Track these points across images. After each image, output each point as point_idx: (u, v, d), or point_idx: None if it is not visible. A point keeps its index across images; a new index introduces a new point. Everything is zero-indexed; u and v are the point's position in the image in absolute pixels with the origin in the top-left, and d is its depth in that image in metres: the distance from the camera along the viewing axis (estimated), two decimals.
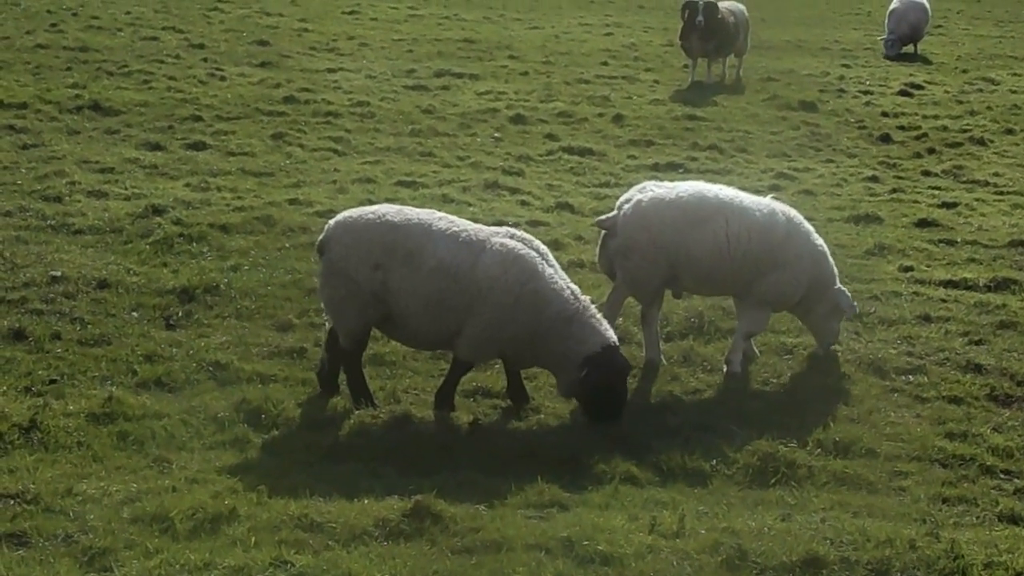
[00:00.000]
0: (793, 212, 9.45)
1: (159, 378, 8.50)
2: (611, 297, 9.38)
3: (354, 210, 8.45)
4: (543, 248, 8.32)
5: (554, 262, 8.31)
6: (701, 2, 20.36)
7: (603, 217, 9.37)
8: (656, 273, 9.13)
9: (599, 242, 9.44)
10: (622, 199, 9.32)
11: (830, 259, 9.48)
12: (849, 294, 9.54)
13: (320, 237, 8.35)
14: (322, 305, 8.50)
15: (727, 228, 9.08)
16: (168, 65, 18.85)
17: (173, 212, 11.91)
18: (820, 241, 9.45)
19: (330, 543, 6.50)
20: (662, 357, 9.25)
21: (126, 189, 12.72)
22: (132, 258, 10.77)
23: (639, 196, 9.18)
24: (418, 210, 8.39)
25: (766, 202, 9.36)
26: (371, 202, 12.67)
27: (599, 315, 8.27)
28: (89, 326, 9.32)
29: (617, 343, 8.24)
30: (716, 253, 9.07)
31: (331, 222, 8.36)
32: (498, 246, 8.08)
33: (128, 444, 7.58)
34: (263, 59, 19.77)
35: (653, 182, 9.51)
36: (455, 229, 8.14)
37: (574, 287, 8.25)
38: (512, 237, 8.21)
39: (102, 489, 6.95)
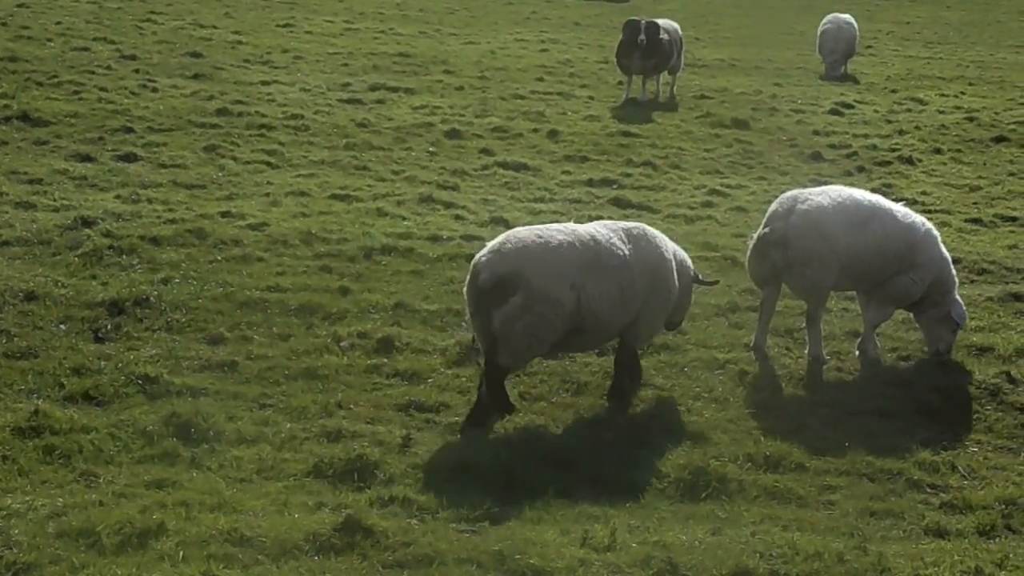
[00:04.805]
0: (925, 219, 10.09)
1: (87, 391, 8.38)
2: (768, 306, 9.89)
3: (521, 239, 8.29)
4: None
5: None
6: (643, 21, 20.58)
7: (768, 231, 9.62)
8: (832, 276, 9.65)
9: (755, 255, 9.72)
10: (776, 210, 9.72)
11: (952, 268, 10.02)
12: (963, 306, 9.99)
13: (499, 276, 8.06)
14: (504, 336, 8.12)
15: (883, 228, 9.69)
16: (99, 76, 18.65)
17: (103, 224, 11.77)
18: (945, 249, 10.02)
19: (260, 558, 6.45)
20: (825, 355, 9.81)
21: (55, 200, 12.56)
22: (60, 270, 10.63)
23: (800, 206, 9.60)
24: (555, 225, 8.67)
25: (901, 207, 10.00)
26: (304, 216, 12.70)
27: None
28: (16, 338, 9.18)
29: None
30: (874, 252, 9.64)
31: (506, 258, 8.14)
32: (641, 231, 8.89)
33: (54, 458, 7.47)
34: (196, 71, 19.62)
35: (798, 190, 9.96)
36: (599, 229, 8.71)
37: None
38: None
39: (27, 503, 6.84)
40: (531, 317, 8.15)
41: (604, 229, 8.72)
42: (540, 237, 8.35)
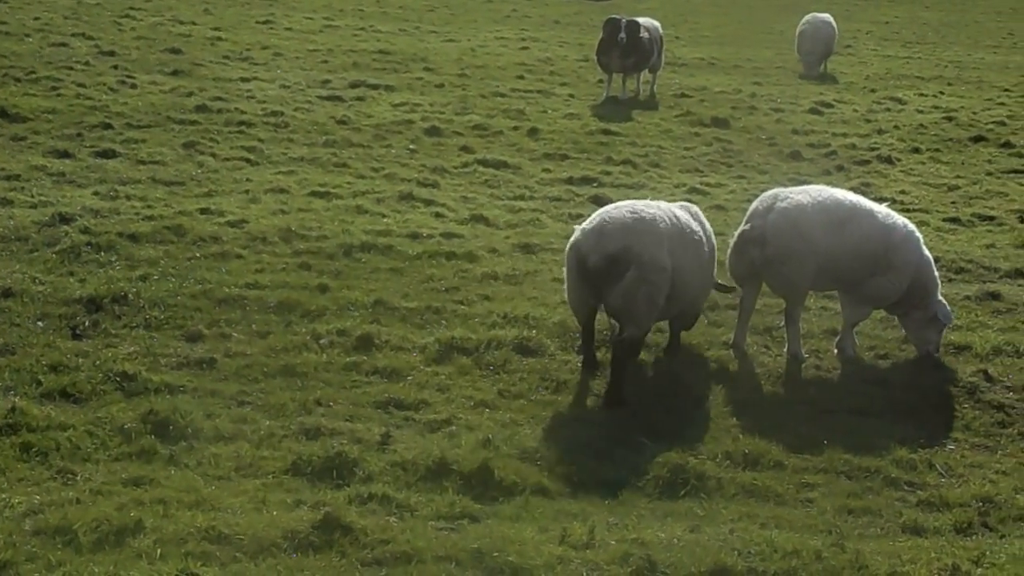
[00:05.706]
0: (907, 220, 10.10)
1: (64, 388, 8.33)
2: (748, 303, 9.95)
3: (618, 218, 8.88)
4: None
5: None
6: (624, 19, 20.60)
7: (748, 228, 9.73)
8: (809, 275, 9.68)
9: (735, 252, 9.82)
10: (757, 208, 9.82)
11: (935, 270, 10.04)
12: (948, 307, 10.01)
13: (610, 255, 8.68)
14: (627, 309, 8.76)
15: (861, 229, 9.70)
16: (78, 72, 18.58)
17: (81, 221, 11.71)
18: (927, 251, 10.03)
19: (238, 555, 6.42)
20: (804, 353, 9.84)
21: (32, 197, 12.50)
22: (38, 267, 10.57)
23: (780, 204, 9.67)
24: (632, 202, 9.32)
25: (884, 208, 10.01)
26: (283, 213, 12.67)
27: None
28: None
29: None
30: (852, 252, 9.67)
31: (612, 237, 8.72)
32: (697, 210, 9.68)
33: (31, 455, 7.43)
34: (175, 67, 19.56)
35: (779, 188, 10.05)
36: (672, 205, 9.38)
37: None
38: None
39: (3, 501, 6.80)
40: (647, 287, 8.76)
41: (672, 206, 9.34)
42: (635, 213, 8.93)
